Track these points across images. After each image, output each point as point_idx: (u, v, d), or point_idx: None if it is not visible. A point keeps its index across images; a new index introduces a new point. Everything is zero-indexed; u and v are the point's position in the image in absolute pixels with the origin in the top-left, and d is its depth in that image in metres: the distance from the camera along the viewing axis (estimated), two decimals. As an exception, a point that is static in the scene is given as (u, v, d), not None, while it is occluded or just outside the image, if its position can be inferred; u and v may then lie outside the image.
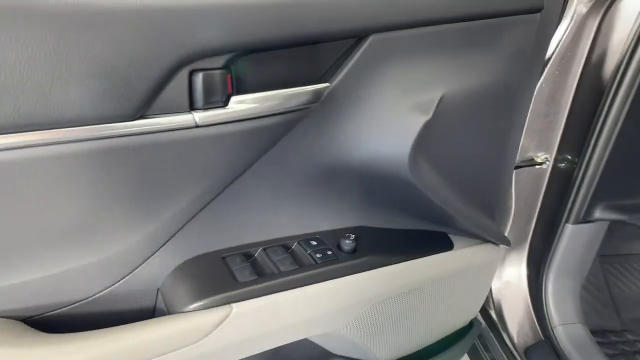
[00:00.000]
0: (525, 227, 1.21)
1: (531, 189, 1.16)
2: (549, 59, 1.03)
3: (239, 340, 0.58)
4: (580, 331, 1.14)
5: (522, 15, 0.71)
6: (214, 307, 0.56)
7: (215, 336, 0.55)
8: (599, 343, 1.30)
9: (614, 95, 0.94)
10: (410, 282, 0.77)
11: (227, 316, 0.56)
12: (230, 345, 0.57)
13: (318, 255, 0.66)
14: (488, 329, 1.27)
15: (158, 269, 0.59)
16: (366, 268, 0.69)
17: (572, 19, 0.99)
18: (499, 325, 1.23)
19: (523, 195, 1.18)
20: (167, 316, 0.56)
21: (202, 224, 0.61)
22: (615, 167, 0.99)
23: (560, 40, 1.01)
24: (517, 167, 1.13)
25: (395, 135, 0.63)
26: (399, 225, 0.80)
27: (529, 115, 1.09)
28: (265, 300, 0.60)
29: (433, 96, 0.66)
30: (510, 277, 1.25)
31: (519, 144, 0.96)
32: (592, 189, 1.03)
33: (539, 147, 1.12)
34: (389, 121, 0.63)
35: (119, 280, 0.57)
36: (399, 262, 0.74)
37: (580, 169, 1.03)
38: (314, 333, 0.68)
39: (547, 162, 1.10)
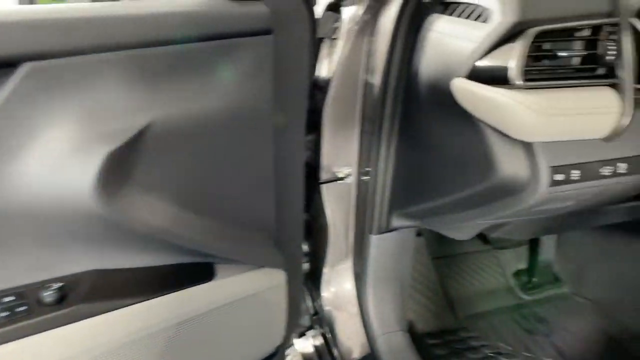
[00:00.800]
0: (345, 241, 1.22)
1: (344, 203, 1.18)
2: (332, 78, 1.06)
3: None
4: (400, 339, 1.16)
5: (248, 38, 0.70)
6: None
7: None
8: (432, 345, 1.35)
9: (382, 111, 0.97)
10: (156, 322, 0.72)
11: None
12: None
13: (3, 314, 0.59)
14: (324, 346, 1.26)
15: None
16: (75, 319, 0.63)
17: (346, 40, 1.02)
18: (331, 341, 1.23)
19: (339, 211, 1.19)
20: None
21: None
22: (400, 177, 1.03)
23: (339, 60, 1.04)
24: (323, 183, 1.15)
25: (74, 169, 0.58)
26: (151, 262, 0.75)
27: (326, 132, 1.11)
28: None
29: (131, 123, 0.62)
30: (339, 292, 1.25)
31: (305, 162, 0.96)
32: (385, 200, 1.06)
33: (344, 163, 1.14)
34: (65, 154, 0.58)
35: None
36: (133, 304, 0.69)
37: (373, 181, 1.06)
38: None
39: (350, 177, 1.13)
